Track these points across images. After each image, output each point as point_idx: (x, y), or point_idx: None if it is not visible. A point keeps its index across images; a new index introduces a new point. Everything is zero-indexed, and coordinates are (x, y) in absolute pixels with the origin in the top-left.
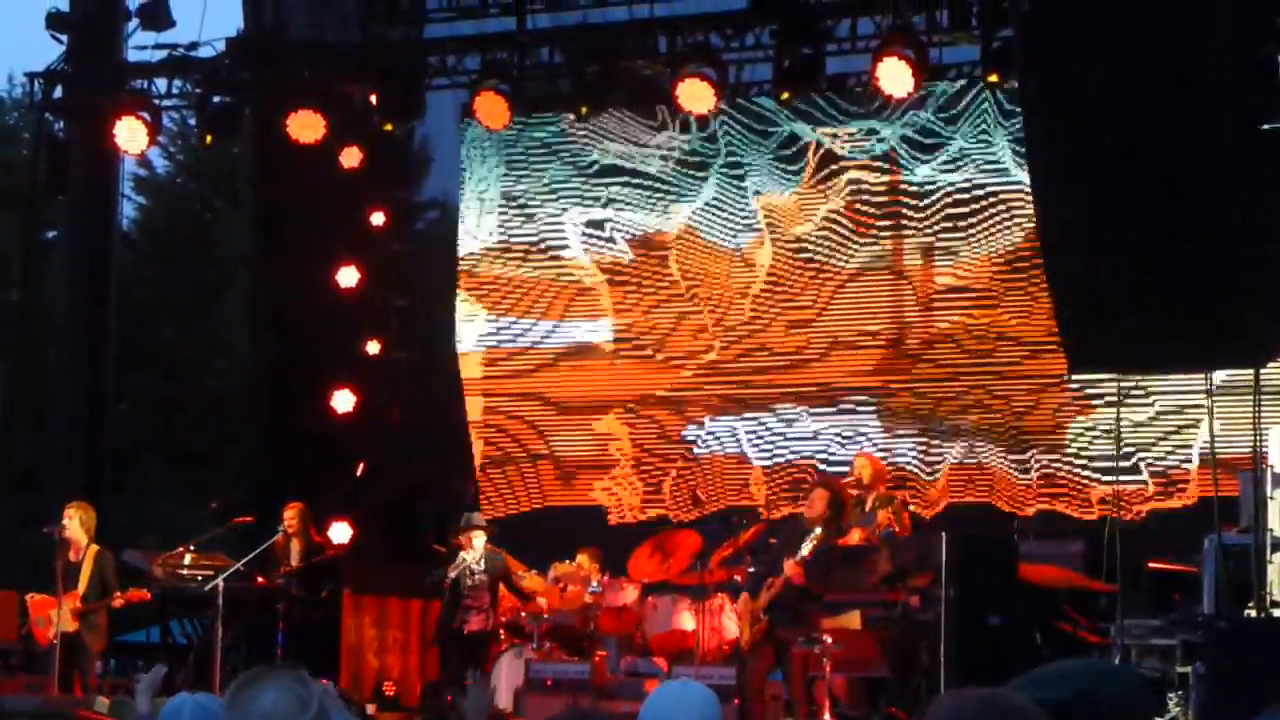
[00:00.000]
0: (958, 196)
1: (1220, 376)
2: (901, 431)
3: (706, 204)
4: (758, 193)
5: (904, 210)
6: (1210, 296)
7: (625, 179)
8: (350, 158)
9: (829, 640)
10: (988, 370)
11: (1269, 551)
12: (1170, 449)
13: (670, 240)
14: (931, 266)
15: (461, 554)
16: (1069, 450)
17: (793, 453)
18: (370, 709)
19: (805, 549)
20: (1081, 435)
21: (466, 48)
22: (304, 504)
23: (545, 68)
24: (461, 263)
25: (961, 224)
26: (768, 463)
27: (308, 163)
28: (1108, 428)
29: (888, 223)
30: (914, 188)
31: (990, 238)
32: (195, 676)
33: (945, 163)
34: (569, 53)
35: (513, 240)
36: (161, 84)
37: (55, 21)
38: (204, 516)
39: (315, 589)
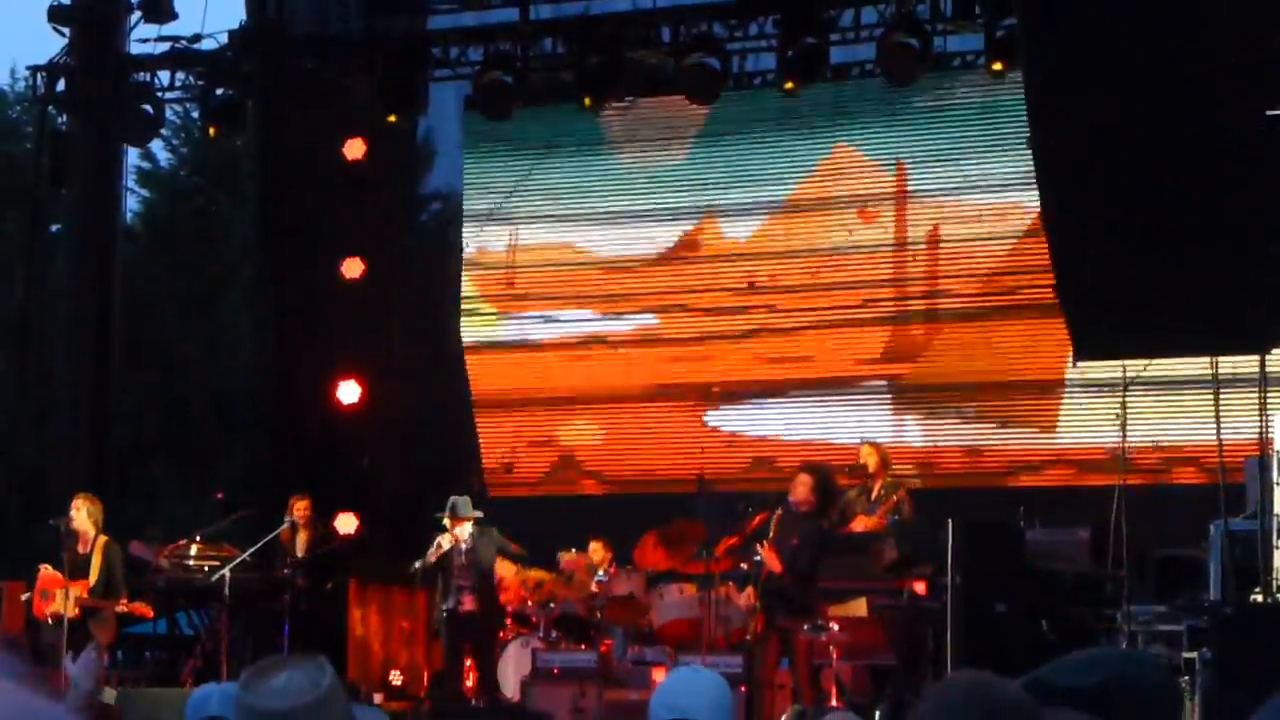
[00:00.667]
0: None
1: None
2: (909, 416)
3: (718, 195)
4: (766, 184)
5: (909, 198)
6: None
7: (633, 168)
8: (354, 150)
9: (835, 628)
10: (993, 355)
11: (1275, 537)
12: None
13: (681, 232)
14: (938, 249)
15: (440, 539)
16: (1073, 434)
17: (802, 437)
18: (378, 698)
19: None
20: (1086, 420)
21: (469, 39)
22: (312, 497)
23: (548, 59)
24: (467, 253)
25: (968, 213)
26: (778, 445)
27: (311, 155)
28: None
29: (893, 211)
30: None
31: (996, 224)
32: (203, 667)
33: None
34: (572, 43)
35: (517, 231)
36: (164, 77)
37: (57, 14)
38: (210, 509)
39: (321, 580)
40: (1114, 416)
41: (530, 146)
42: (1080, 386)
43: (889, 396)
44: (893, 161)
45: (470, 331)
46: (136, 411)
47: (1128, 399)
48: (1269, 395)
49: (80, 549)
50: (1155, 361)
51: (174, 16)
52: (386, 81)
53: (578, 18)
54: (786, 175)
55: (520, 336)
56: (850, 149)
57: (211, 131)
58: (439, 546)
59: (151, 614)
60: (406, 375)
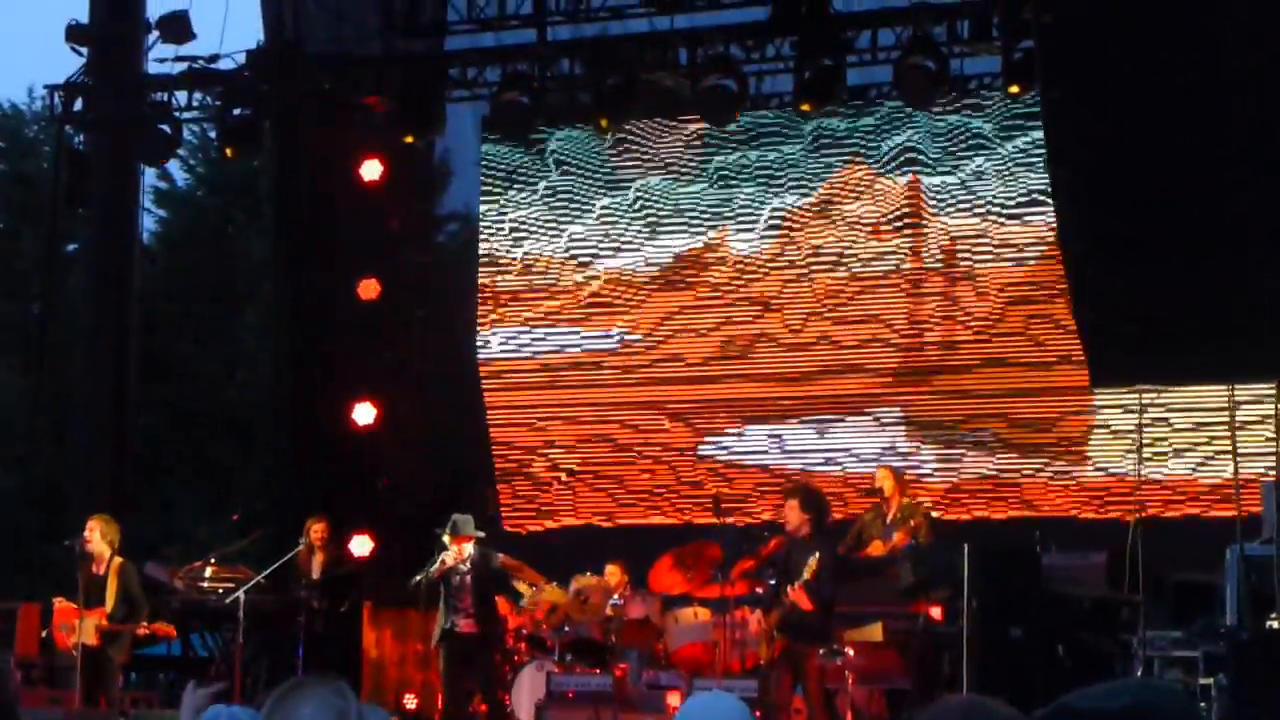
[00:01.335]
0: (978, 207)
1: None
2: (924, 442)
3: (729, 214)
4: (778, 203)
5: (925, 219)
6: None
7: (648, 191)
8: (371, 170)
9: (851, 653)
10: (1010, 381)
11: None
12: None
13: (693, 251)
14: (953, 276)
15: (443, 555)
16: (1091, 461)
17: (814, 463)
18: None
19: (806, 571)
20: (1104, 447)
21: (487, 60)
22: (326, 518)
23: (566, 80)
24: (482, 274)
25: (984, 235)
26: (790, 472)
27: (328, 175)
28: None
29: (909, 231)
30: (934, 197)
31: (1012, 249)
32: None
33: (969, 173)
34: (589, 64)
35: (535, 252)
36: (182, 97)
37: (75, 34)
38: (226, 528)
39: (336, 601)
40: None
41: (547, 167)
42: (1097, 413)
43: (903, 422)
44: (907, 182)
45: (487, 351)
46: (153, 429)
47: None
48: None
49: (96, 570)
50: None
51: (192, 36)
52: (404, 102)
53: (595, 39)
54: (801, 192)
55: (537, 357)
56: (866, 168)
57: (229, 153)
58: (442, 562)
59: (175, 633)
60: (423, 396)
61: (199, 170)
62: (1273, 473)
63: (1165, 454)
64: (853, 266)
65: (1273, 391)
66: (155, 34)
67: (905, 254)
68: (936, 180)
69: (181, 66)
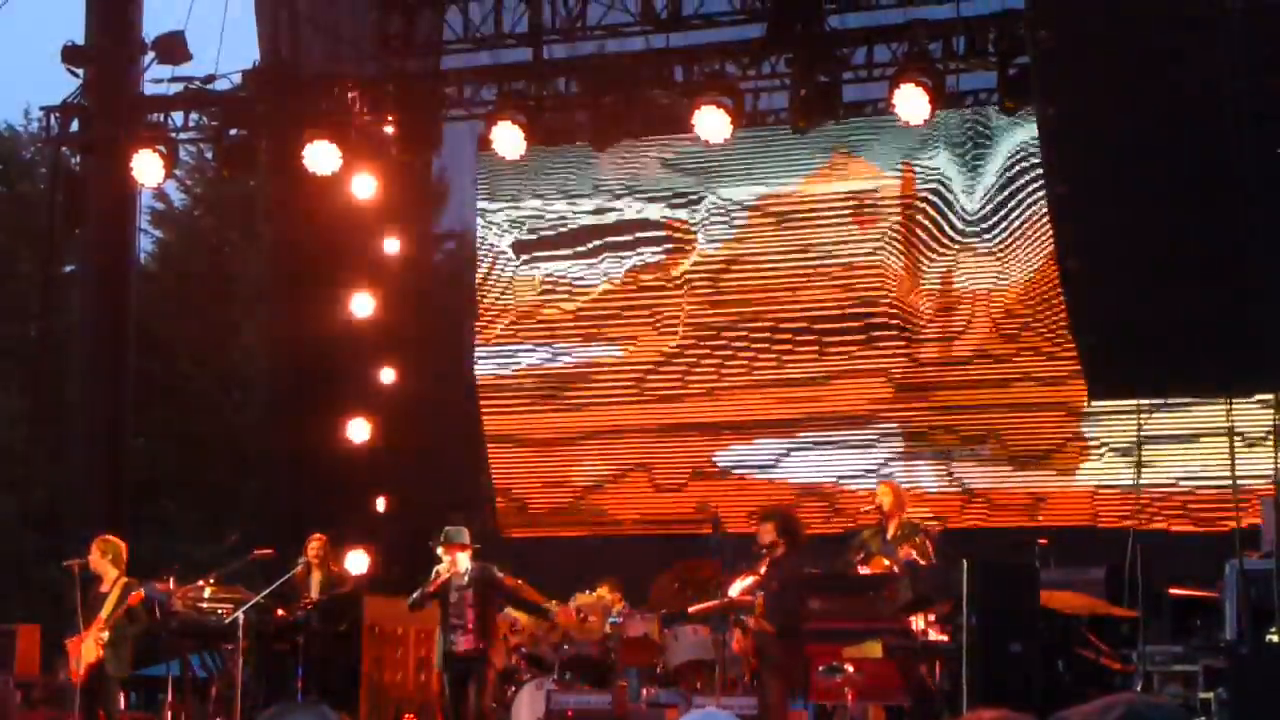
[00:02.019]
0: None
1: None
2: (923, 457)
3: (726, 232)
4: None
5: (923, 235)
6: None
7: (643, 208)
8: (366, 188)
9: (850, 669)
10: (1008, 395)
11: None
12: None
13: (691, 267)
14: (952, 293)
15: (438, 568)
16: (1089, 473)
17: (815, 478)
18: None
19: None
20: (1102, 459)
21: (483, 78)
22: (327, 536)
23: (562, 98)
24: (480, 292)
25: (982, 249)
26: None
27: (325, 194)
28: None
29: (907, 248)
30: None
31: (1011, 263)
32: (216, 710)
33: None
34: (585, 83)
35: (532, 270)
36: (178, 117)
37: (71, 55)
38: (224, 550)
39: (335, 621)
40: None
41: (545, 185)
42: (1095, 426)
43: (901, 437)
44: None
45: (485, 370)
46: (150, 450)
47: (1144, 439)
48: None
49: (101, 589)
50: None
51: (188, 57)
52: (400, 121)
53: (591, 57)
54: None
55: (534, 375)
56: (863, 182)
57: (225, 173)
58: (437, 575)
59: (143, 595)
60: (420, 414)
61: (196, 191)
62: (1272, 486)
63: (1164, 466)
64: (855, 283)
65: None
66: (151, 55)
67: (903, 272)
68: (933, 196)
69: (178, 87)
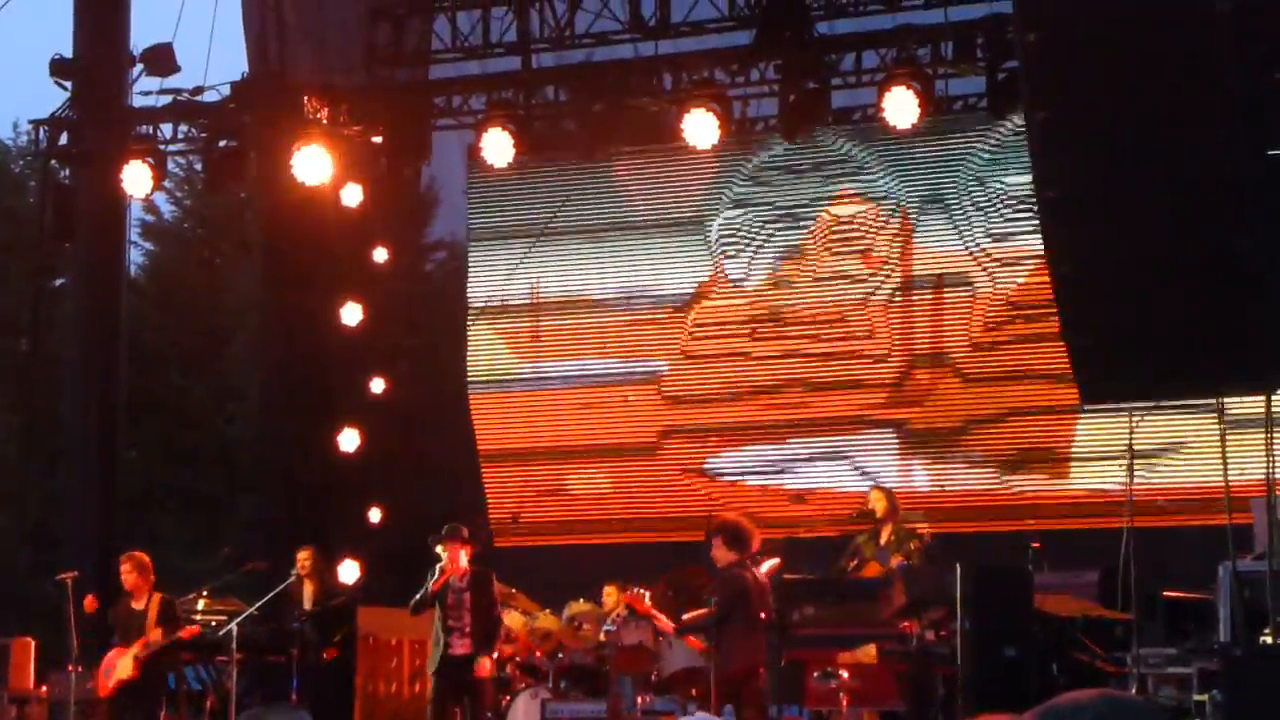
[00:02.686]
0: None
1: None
2: (915, 462)
3: (721, 240)
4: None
5: (915, 239)
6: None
7: (638, 216)
8: (356, 198)
9: (845, 674)
10: (1000, 399)
11: None
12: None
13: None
14: (943, 299)
15: (437, 566)
16: (1083, 475)
17: (809, 484)
18: None
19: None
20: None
21: (472, 88)
22: (316, 547)
23: (551, 106)
24: (471, 301)
25: (973, 252)
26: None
27: (314, 205)
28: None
29: (899, 252)
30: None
31: (1002, 268)
32: None
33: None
34: (574, 91)
35: (523, 280)
36: (167, 129)
37: (59, 68)
38: (217, 562)
39: (329, 632)
40: (1121, 459)
41: (534, 194)
42: (1087, 429)
43: (895, 442)
44: (896, 206)
45: (477, 380)
46: (143, 463)
47: (1135, 442)
48: (1276, 435)
49: (134, 606)
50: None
51: (176, 69)
52: (389, 131)
53: (580, 65)
54: (794, 223)
55: (527, 384)
56: (855, 195)
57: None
58: (441, 572)
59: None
60: (412, 424)
61: (185, 203)
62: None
63: (1156, 465)
64: (847, 290)
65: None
66: (140, 67)
67: (896, 279)
68: (924, 203)
69: (166, 99)
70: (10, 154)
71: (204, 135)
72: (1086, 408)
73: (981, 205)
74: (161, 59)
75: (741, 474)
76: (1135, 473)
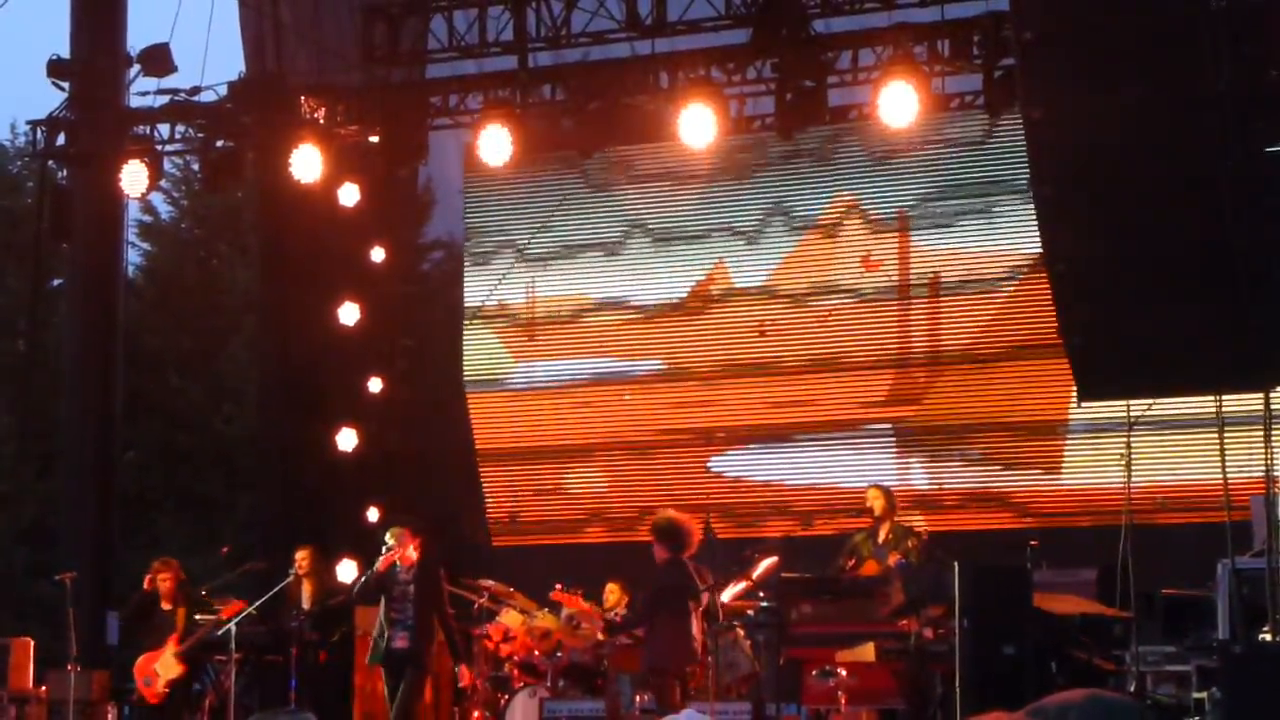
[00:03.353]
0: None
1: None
2: (913, 459)
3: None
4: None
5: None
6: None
7: (638, 217)
8: (352, 198)
9: (843, 673)
10: (997, 397)
11: None
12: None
13: (686, 278)
14: (939, 296)
15: (385, 550)
16: (1079, 472)
17: (807, 481)
18: None
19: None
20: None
21: (468, 87)
22: (314, 547)
23: (547, 105)
24: (468, 301)
25: (970, 251)
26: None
27: (311, 205)
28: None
29: (896, 253)
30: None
31: (1000, 267)
32: None
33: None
34: (571, 90)
35: (520, 280)
36: (164, 129)
37: (56, 69)
38: (216, 562)
39: (328, 631)
40: (1119, 456)
41: (530, 193)
42: (1084, 427)
43: (893, 440)
44: (894, 208)
45: (474, 379)
46: (140, 463)
47: (1133, 439)
48: (1274, 433)
49: (165, 606)
50: (1160, 400)
51: (173, 69)
52: (386, 131)
53: (576, 64)
54: (792, 224)
55: (525, 384)
56: (852, 195)
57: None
58: (387, 554)
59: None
60: (409, 424)
61: (182, 203)
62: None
63: (1154, 462)
64: (844, 289)
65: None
66: (136, 67)
67: (894, 279)
68: (920, 201)
69: (163, 99)
70: (7, 154)
71: (201, 135)
72: (1084, 405)
73: (979, 204)
74: (158, 59)
75: (742, 472)
76: (1133, 471)
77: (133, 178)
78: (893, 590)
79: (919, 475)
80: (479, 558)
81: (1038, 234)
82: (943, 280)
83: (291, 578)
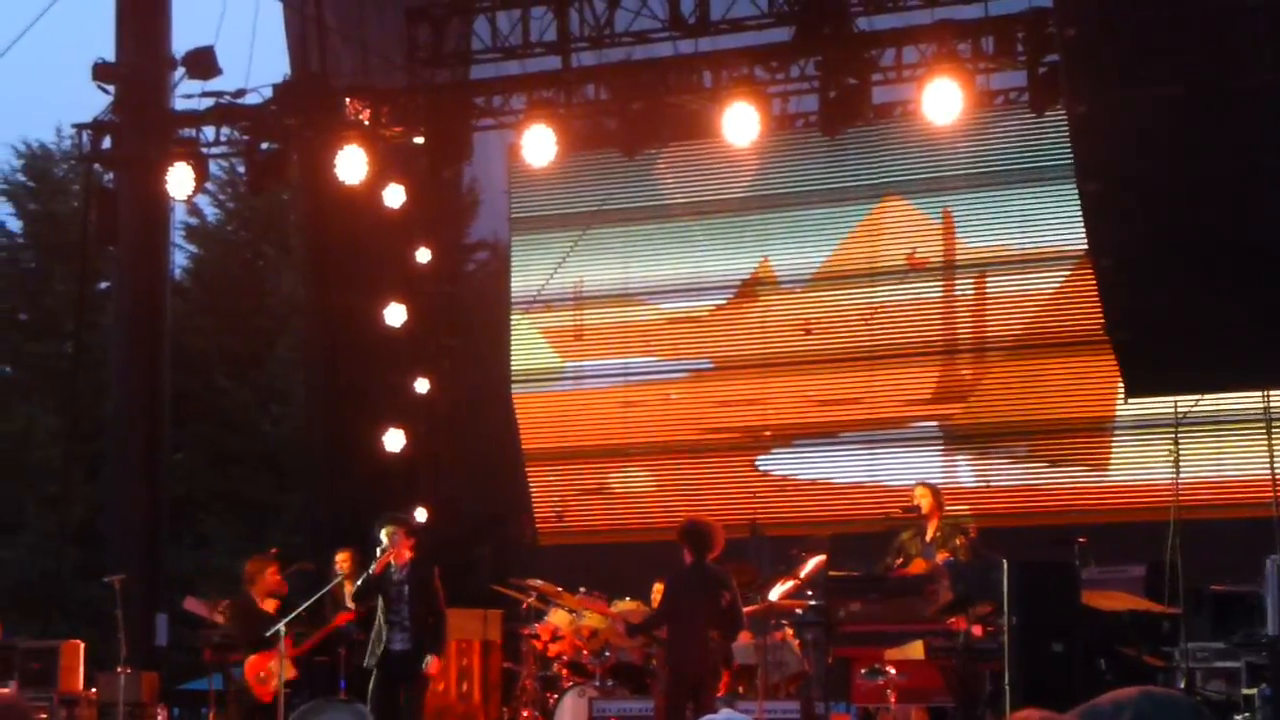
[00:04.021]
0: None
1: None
2: (960, 457)
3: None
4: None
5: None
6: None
7: (685, 217)
8: (397, 198)
9: (892, 671)
10: (1044, 393)
11: None
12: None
13: (733, 277)
14: (984, 293)
15: (380, 550)
16: (1128, 468)
17: (854, 479)
18: None
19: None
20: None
21: (512, 88)
22: (355, 548)
23: (591, 105)
24: (514, 299)
25: (1015, 248)
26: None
27: (356, 206)
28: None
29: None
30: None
31: (1046, 263)
32: None
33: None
34: (614, 89)
35: (565, 280)
36: (209, 132)
37: (102, 72)
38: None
39: None
40: (1167, 452)
41: (576, 191)
42: (1131, 423)
43: (940, 438)
44: (939, 206)
45: (520, 378)
46: (188, 465)
47: (1180, 434)
48: None
49: (264, 608)
50: (1207, 396)
51: (218, 72)
52: (430, 132)
53: (619, 64)
54: (838, 219)
55: (572, 384)
56: (898, 196)
57: (256, 188)
58: (382, 554)
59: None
60: (456, 424)
61: (228, 205)
62: None
63: (1203, 458)
64: (891, 286)
65: None
66: (181, 70)
67: (940, 278)
68: (967, 200)
69: (208, 102)
70: (54, 158)
71: (246, 138)
72: (1131, 401)
73: (1023, 200)
74: (203, 62)
75: (785, 472)
76: (1181, 466)
77: (178, 180)
78: (941, 588)
79: (966, 472)
80: (527, 557)
81: (1083, 229)
82: (988, 277)
83: (339, 579)
